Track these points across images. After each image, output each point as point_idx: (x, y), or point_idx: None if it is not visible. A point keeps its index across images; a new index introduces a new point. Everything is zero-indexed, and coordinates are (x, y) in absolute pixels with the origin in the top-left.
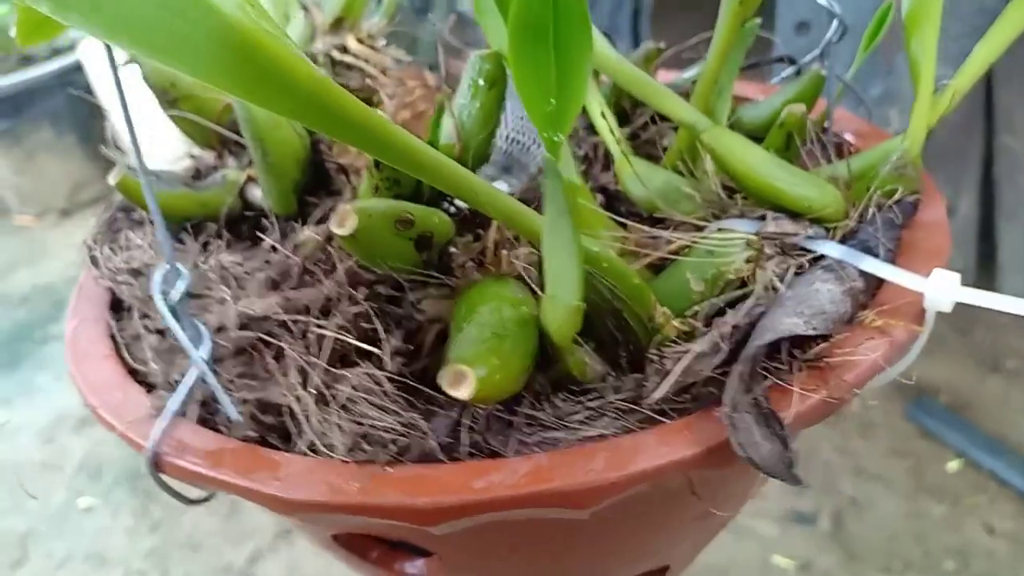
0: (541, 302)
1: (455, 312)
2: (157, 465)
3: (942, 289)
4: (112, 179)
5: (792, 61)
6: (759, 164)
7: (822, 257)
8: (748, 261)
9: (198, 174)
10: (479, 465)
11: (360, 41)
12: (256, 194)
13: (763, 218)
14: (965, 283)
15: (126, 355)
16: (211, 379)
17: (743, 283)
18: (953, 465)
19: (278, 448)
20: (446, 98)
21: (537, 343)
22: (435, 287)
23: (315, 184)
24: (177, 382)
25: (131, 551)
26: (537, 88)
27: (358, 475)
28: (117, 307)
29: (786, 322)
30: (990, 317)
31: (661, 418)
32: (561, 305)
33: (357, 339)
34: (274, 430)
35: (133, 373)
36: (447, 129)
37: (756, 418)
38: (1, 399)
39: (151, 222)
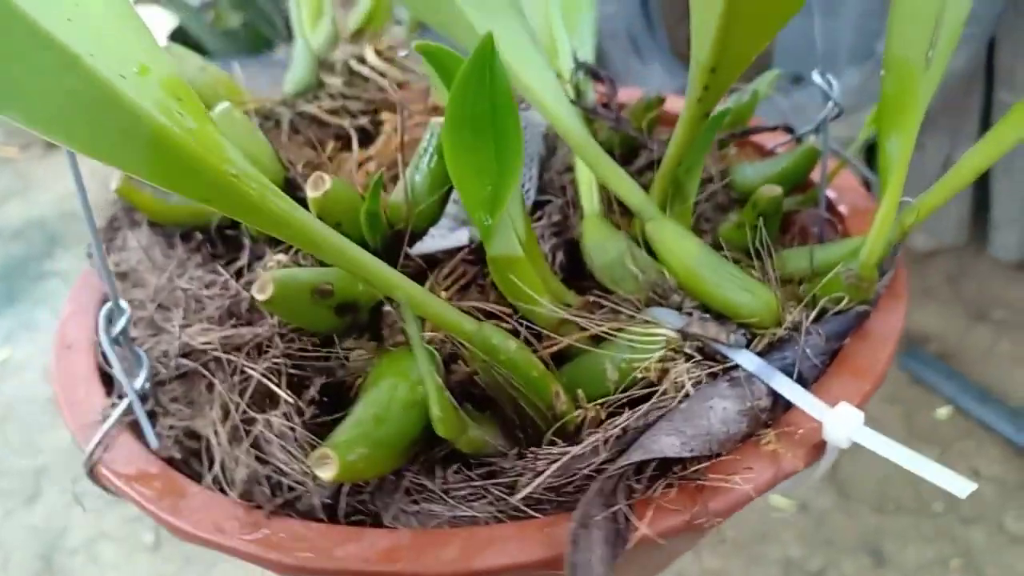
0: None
1: (368, 376)
2: (91, 471)
3: (842, 424)
4: (113, 184)
5: (789, 130)
6: (692, 262)
7: (737, 366)
8: (660, 361)
9: None
10: (344, 533)
11: (379, 53)
12: None
13: (690, 315)
14: (958, 237)
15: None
16: (138, 409)
17: (653, 383)
18: (942, 412)
19: (198, 473)
20: (380, 176)
21: (425, 425)
22: (363, 343)
23: None
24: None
25: None
26: (474, 175)
27: (243, 519)
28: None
29: (663, 441)
30: (979, 268)
31: (532, 510)
32: (434, 412)
33: (279, 385)
34: (197, 455)
35: (101, 370)
36: (397, 190)
37: (606, 535)
38: (1, 336)
39: (149, 224)
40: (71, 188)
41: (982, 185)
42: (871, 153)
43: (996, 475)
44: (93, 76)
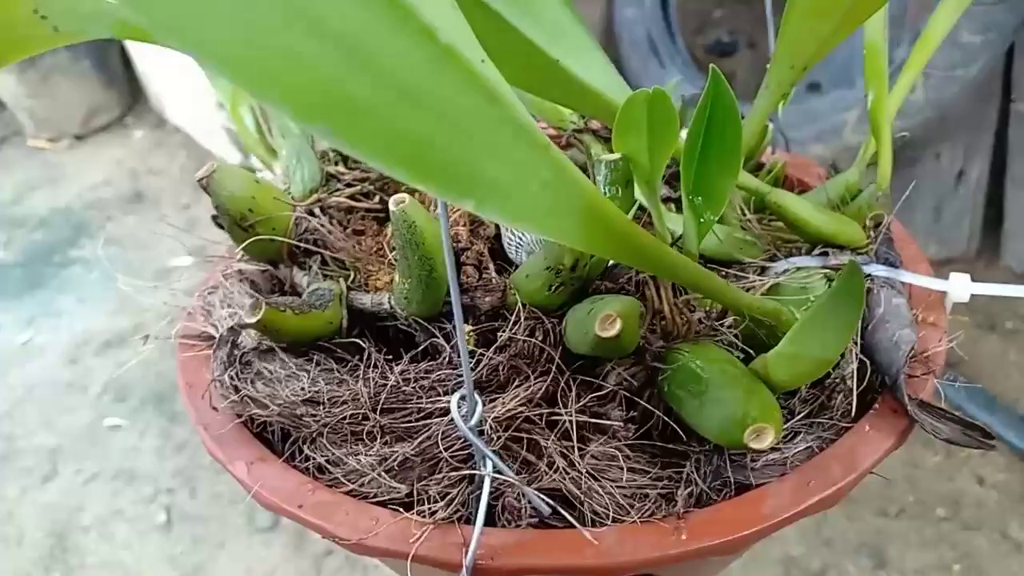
0: (769, 357)
1: (673, 378)
2: (476, 572)
3: (960, 287)
4: (252, 317)
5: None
6: (812, 214)
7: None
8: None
9: (281, 289)
10: (750, 497)
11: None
12: (365, 300)
13: (824, 254)
14: (970, 247)
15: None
16: (521, 486)
17: None
18: None
19: (554, 527)
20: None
21: None
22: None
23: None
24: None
25: (159, 469)
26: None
27: (668, 530)
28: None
29: (905, 334)
30: (991, 279)
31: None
32: (809, 360)
33: (591, 417)
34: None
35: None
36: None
37: (922, 409)
38: (24, 320)
39: (284, 349)
40: (97, 179)
41: (995, 195)
42: None
43: (1001, 483)
44: (562, 164)
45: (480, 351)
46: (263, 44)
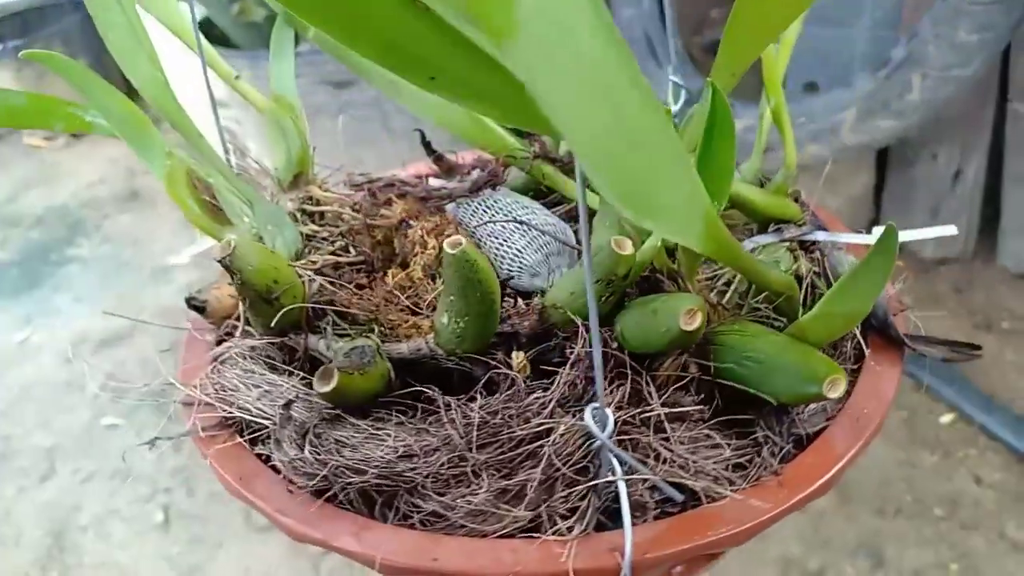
0: (803, 321)
1: (727, 356)
2: (637, 568)
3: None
4: (325, 386)
5: None
6: (761, 197)
7: (806, 244)
8: (795, 260)
9: (294, 357)
10: (820, 444)
11: (321, 188)
12: (403, 348)
13: (779, 231)
14: (967, 247)
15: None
16: (657, 479)
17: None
18: (946, 418)
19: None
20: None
21: None
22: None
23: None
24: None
25: (157, 469)
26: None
27: (774, 487)
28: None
29: None
30: (987, 279)
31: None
32: (842, 316)
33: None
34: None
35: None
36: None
37: (912, 339)
38: (20, 318)
39: (348, 413)
40: (93, 177)
41: (992, 195)
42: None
43: (998, 483)
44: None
45: (526, 376)
46: None
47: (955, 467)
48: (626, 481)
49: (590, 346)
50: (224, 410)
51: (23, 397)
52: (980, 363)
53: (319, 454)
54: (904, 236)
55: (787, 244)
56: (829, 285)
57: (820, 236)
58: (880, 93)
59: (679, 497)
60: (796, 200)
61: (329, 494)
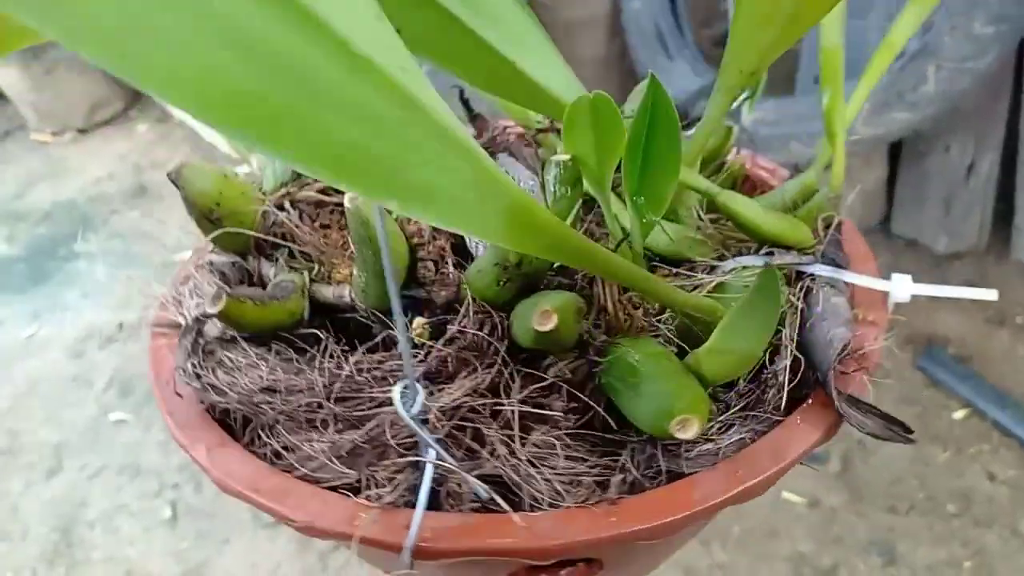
0: (700, 353)
1: (612, 371)
2: (417, 553)
3: (901, 287)
4: (213, 307)
5: None
6: (760, 216)
7: (803, 276)
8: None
9: (250, 280)
10: (680, 484)
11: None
12: (327, 292)
13: (770, 254)
14: (980, 241)
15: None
16: (460, 471)
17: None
18: (959, 414)
19: (495, 512)
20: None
21: None
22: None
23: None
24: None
25: (164, 464)
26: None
27: (600, 514)
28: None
29: (839, 332)
30: (1000, 273)
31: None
32: (735, 355)
33: (533, 407)
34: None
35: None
36: None
37: (849, 404)
38: (28, 314)
39: (244, 339)
40: (101, 173)
41: (1006, 188)
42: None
43: (1011, 479)
44: (484, 165)
45: (430, 343)
46: (181, 58)
47: (968, 463)
48: (434, 465)
49: (478, 327)
50: (179, 312)
51: (30, 392)
52: (993, 358)
53: (199, 368)
54: (937, 292)
55: (782, 271)
56: (803, 322)
57: (820, 270)
58: (894, 85)
59: (484, 494)
60: (828, 226)
61: (221, 408)
